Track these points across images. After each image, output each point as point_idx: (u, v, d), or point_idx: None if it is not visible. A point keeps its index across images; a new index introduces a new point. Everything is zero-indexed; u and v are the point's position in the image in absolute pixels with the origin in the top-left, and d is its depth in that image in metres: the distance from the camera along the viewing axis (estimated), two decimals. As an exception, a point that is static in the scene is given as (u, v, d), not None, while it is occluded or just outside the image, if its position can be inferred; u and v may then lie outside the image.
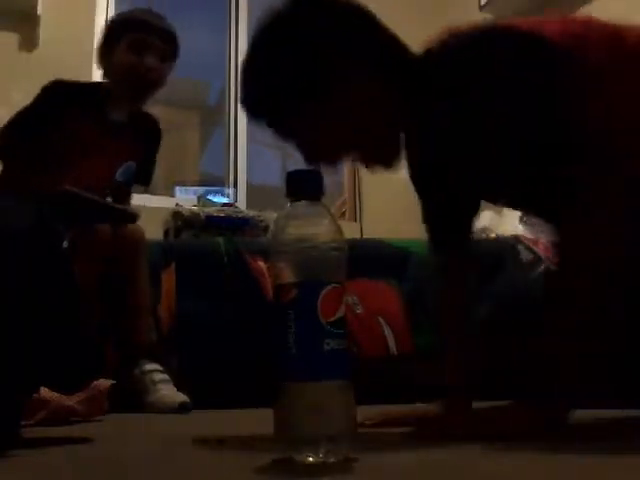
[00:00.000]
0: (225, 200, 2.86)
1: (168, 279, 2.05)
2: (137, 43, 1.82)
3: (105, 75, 1.91)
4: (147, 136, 2.02)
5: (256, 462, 0.64)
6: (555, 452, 0.70)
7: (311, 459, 0.60)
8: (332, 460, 0.60)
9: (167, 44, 1.87)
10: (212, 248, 2.15)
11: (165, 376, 1.76)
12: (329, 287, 0.62)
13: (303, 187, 0.66)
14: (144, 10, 1.97)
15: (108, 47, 1.87)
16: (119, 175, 1.92)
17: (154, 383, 1.72)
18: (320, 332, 0.61)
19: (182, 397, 1.68)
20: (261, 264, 2.08)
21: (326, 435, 0.60)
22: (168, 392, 1.71)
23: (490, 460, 0.66)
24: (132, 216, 1.85)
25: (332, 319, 0.62)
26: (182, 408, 1.64)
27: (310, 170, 0.67)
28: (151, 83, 1.88)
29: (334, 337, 0.62)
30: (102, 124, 1.86)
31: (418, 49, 0.97)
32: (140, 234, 1.88)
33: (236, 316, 2.03)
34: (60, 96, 1.80)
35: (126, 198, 1.99)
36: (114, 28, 1.89)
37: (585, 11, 2.60)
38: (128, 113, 1.93)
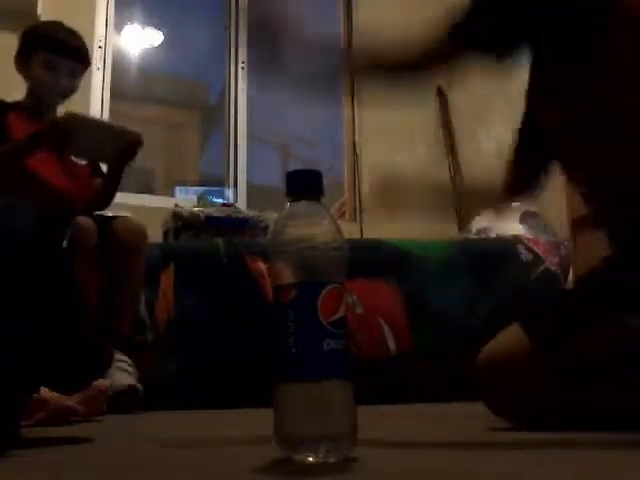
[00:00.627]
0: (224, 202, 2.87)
1: (166, 280, 2.06)
2: (50, 64, 1.98)
3: (25, 79, 2.04)
4: None
5: (256, 462, 0.64)
6: (556, 455, 0.70)
7: (311, 459, 0.60)
8: (332, 460, 0.60)
9: (77, 62, 2.04)
10: (211, 249, 2.15)
11: (124, 364, 1.77)
12: (329, 287, 0.62)
13: (303, 187, 0.66)
14: (55, 26, 2.07)
15: (24, 59, 2.02)
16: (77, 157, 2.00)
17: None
18: (320, 332, 0.61)
19: (131, 381, 1.70)
20: (260, 265, 2.08)
21: (326, 435, 0.60)
22: (118, 376, 1.72)
23: (490, 461, 0.66)
24: (134, 135, 1.92)
25: (332, 319, 0.62)
26: (130, 392, 1.67)
27: (310, 170, 0.67)
28: (64, 95, 2.06)
29: (334, 337, 0.62)
30: (34, 113, 2.00)
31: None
32: (143, 235, 1.89)
33: (235, 317, 2.03)
34: None
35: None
36: (29, 42, 2.02)
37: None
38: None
